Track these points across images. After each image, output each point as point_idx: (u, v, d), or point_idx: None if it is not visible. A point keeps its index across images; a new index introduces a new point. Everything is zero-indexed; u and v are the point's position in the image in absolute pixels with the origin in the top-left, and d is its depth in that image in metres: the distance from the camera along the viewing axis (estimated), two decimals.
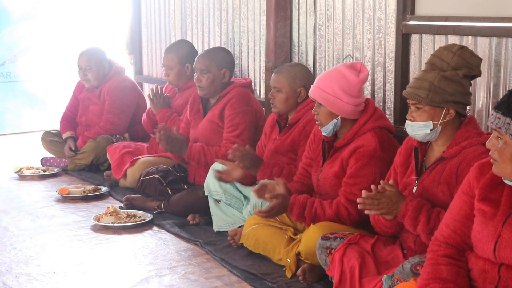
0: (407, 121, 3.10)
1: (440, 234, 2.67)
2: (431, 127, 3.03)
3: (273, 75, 4.23)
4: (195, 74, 4.80)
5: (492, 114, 2.43)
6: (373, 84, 4.37)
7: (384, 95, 4.30)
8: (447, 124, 3.05)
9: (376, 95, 4.35)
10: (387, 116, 4.19)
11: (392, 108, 4.24)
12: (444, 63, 3.05)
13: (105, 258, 4.04)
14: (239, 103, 4.67)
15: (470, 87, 3.10)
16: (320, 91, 3.61)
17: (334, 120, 3.61)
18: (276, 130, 4.33)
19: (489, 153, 2.48)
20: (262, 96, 5.40)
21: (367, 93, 4.38)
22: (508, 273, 2.44)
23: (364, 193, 3.02)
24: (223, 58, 4.80)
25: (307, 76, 4.21)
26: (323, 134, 3.68)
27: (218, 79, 4.75)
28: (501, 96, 3.43)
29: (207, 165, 4.55)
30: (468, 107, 3.15)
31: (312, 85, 3.68)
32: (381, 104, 4.30)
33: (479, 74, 3.12)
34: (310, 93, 3.68)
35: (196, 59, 4.83)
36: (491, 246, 2.46)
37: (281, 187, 3.67)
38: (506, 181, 2.47)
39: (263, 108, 4.99)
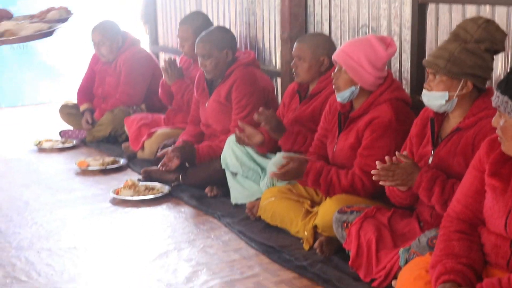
0: (423, 90, 3.07)
1: (452, 210, 2.67)
2: (447, 98, 3.01)
3: (295, 44, 4.20)
4: (199, 58, 4.77)
5: (494, 92, 2.42)
6: None
7: (400, 65, 4.26)
8: (464, 97, 3.02)
9: (392, 65, 4.31)
10: (404, 86, 4.16)
11: (408, 78, 4.20)
12: (468, 35, 3.01)
13: (124, 232, 4.08)
14: (245, 84, 4.66)
15: (493, 62, 3.05)
16: (345, 56, 3.57)
17: (353, 88, 3.58)
18: (295, 100, 4.32)
19: (496, 131, 2.47)
20: (278, 66, 5.37)
21: None
22: None
23: (378, 164, 3.02)
24: (222, 38, 4.74)
25: (330, 46, 4.18)
26: (338, 100, 3.65)
27: (221, 61, 4.72)
28: None
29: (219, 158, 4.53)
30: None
31: (337, 49, 3.64)
32: (397, 74, 4.26)
33: (502, 49, 3.06)
34: (334, 56, 3.64)
35: (196, 45, 4.78)
36: (502, 221, 2.46)
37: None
38: None
39: (272, 82, 4.96)
